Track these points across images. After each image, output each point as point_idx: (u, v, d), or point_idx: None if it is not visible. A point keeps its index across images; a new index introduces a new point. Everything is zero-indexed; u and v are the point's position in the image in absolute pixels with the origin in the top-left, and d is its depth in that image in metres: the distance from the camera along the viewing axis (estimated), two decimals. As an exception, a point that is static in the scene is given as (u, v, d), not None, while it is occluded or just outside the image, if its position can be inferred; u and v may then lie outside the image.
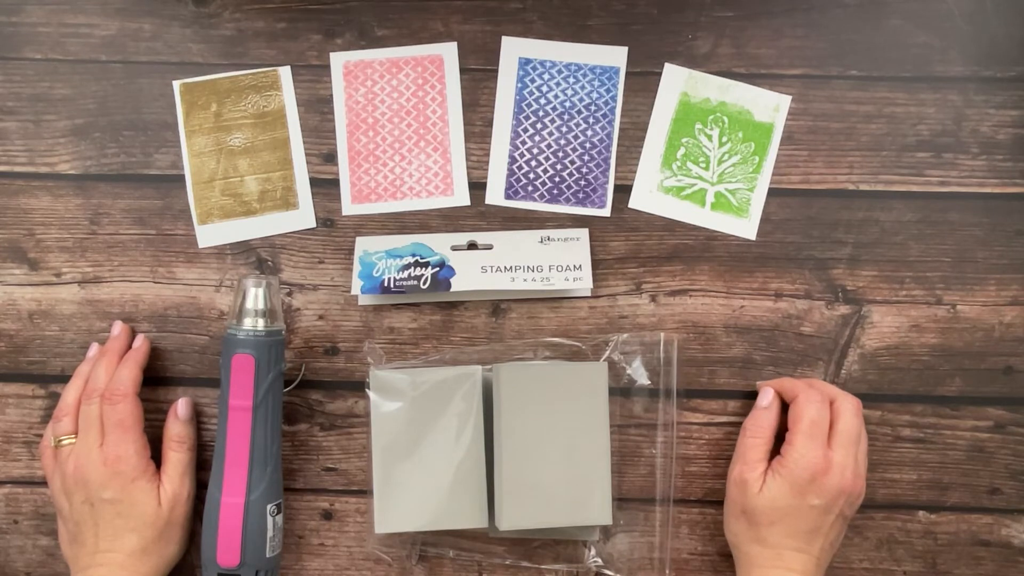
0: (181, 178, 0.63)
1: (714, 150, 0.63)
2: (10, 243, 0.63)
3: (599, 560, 0.62)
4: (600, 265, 0.63)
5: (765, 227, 0.63)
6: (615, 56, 0.63)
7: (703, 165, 0.63)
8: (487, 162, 0.63)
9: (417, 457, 0.59)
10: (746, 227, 0.63)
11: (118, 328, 0.62)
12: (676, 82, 0.63)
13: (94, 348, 0.62)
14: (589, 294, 0.63)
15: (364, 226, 0.63)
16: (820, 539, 0.56)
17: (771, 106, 0.63)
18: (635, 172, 0.63)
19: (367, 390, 0.60)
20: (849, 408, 0.58)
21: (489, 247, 0.62)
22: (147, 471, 0.58)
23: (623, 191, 0.63)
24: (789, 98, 0.62)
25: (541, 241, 0.62)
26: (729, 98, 0.63)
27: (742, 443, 0.59)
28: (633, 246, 0.63)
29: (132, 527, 0.57)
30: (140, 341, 0.62)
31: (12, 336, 0.63)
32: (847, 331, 0.63)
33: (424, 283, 0.61)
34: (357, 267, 0.62)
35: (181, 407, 0.61)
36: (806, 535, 0.56)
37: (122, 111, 0.63)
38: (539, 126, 0.63)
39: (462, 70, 0.63)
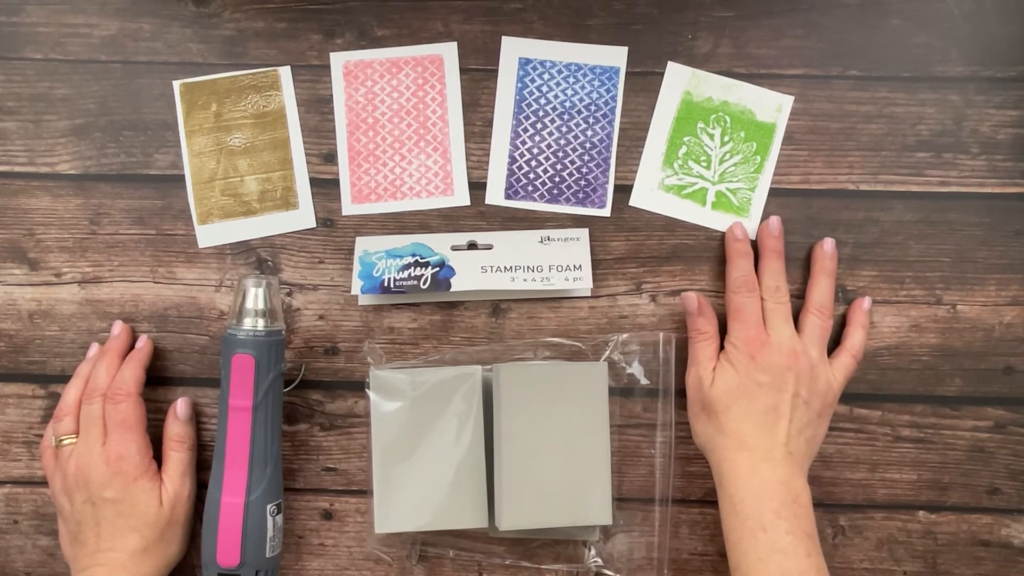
0: (181, 178, 0.63)
1: (716, 149, 0.63)
2: (10, 243, 0.63)
3: (599, 560, 0.62)
4: (600, 265, 0.63)
5: (765, 227, 0.63)
6: (615, 56, 0.63)
7: (704, 164, 0.63)
8: (487, 162, 0.63)
9: (417, 457, 0.59)
10: (747, 227, 0.63)
11: (118, 328, 0.62)
12: (679, 81, 0.63)
13: (94, 348, 0.62)
14: (589, 294, 0.63)
15: (364, 226, 0.63)
16: (783, 423, 0.56)
17: (773, 106, 0.63)
18: (635, 171, 0.63)
19: (367, 390, 0.60)
20: (770, 297, 0.59)
21: (489, 247, 0.62)
22: (148, 471, 0.58)
23: (623, 191, 0.63)
24: (791, 98, 0.62)
25: (541, 241, 0.62)
26: (732, 97, 0.63)
27: (691, 349, 0.61)
28: (633, 246, 0.63)
29: (133, 526, 0.57)
30: (143, 341, 0.62)
31: (12, 336, 0.63)
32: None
33: (424, 283, 0.61)
34: (357, 267, 0.62)
35: (180, 407, 0.61)
36: (762, 416, 0.57)
37: (122, 111, 0.63)
38: (539, 126, 0.63)
39: (462, 70, 0.63)
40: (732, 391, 0.58)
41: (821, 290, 0.60)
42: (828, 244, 0.61)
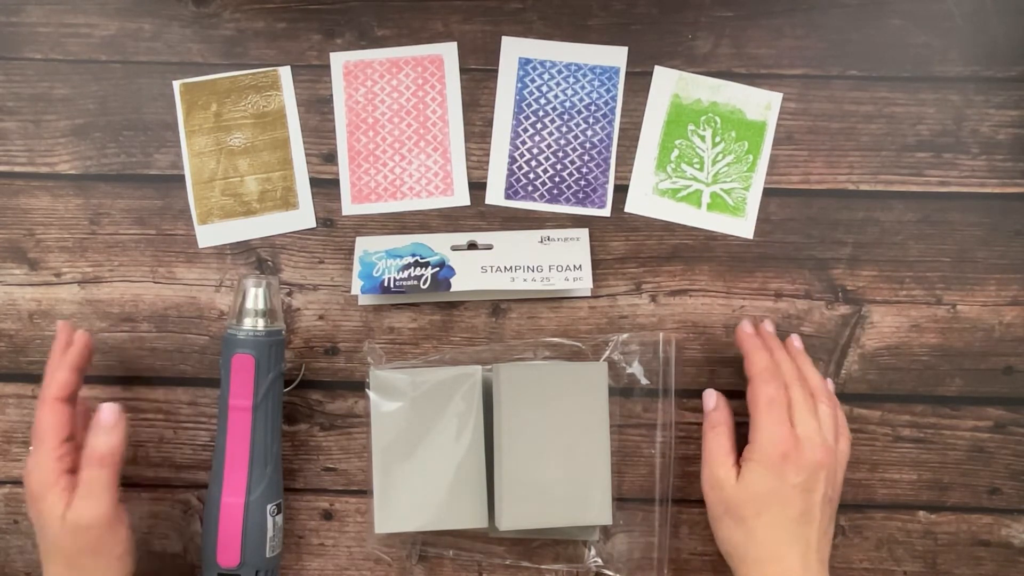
0: (181, 178, 0.63)
1: (708, 151, 0.63)
2: (10, 243, 0.63)
3: (599, 560, 0.62)
4: (600, 265, 0.63)
5: (765, 227, 0.63)
6: (615, 56, 0.63)
7: (697, 166, 0.63)
8: (487, 162, 0.63)
9: (417, 457, 0.59)
10: (743, 226, 0.63)
11: (59, 329, 0.56)
12: (667, 84, 0.63)
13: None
14: (589, 294, 0.63)
15: (364, 226, 0.63)
16: (813, 526, 0.54)
17: (763, 104, 0.63)
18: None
19: (367, 390, 0.60)
20: (795, 384, 0.56)
21: (489, 247, 0.62)
22: (55, 488, 0.51)
23: (623, 191, 0.63)
24: (780, 95, 0.62)
25: (541, 241, 0.62)
26: (720, 98, 0.63)
27: (705, 446, 0.57)
28: (633, 246, 0.63)
29: (45, 550, 0.52)
30: (77, 338, 0.55)
31: (12, 336, 0.63)
32: (847, 331, 0.63)
33: (424, 283, 0.61)
34: (357, 267, 0.62)
35: (105, 414, 0.52)
36: (796, 522, 0.53)
37: (122, 111, 0.63)
38: (539, 126, 0.63)
39: (462, 70, 0.63)
40: (765, 495, 0.53)
41: (815, 377, 0.58)
42: (796, 342, 0.60)
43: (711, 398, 0.59)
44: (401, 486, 0.59)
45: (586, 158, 0.63)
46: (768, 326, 0.61)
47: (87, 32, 0.63)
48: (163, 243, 0.63)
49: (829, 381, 0.60)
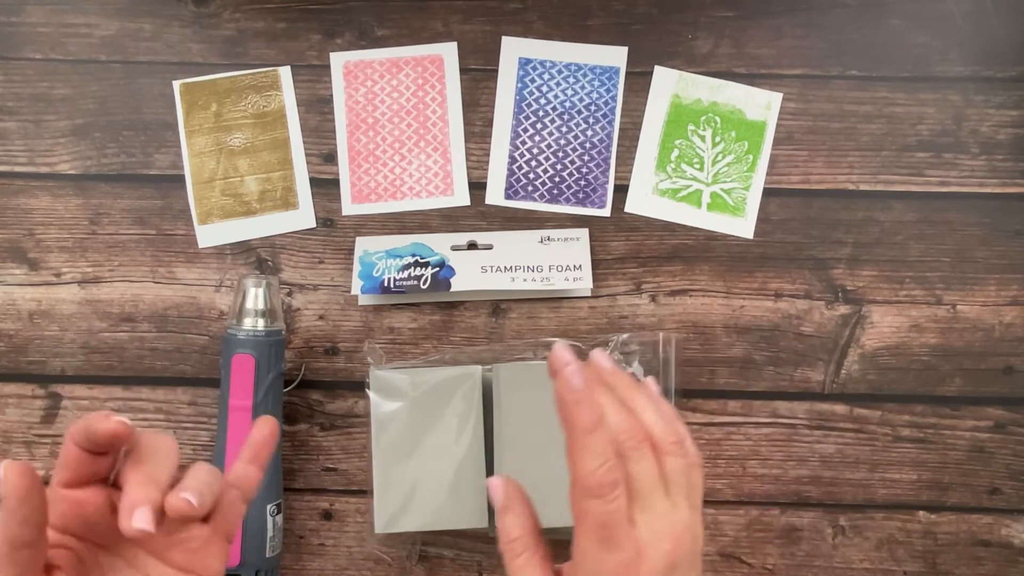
0: (181, 178, 0.63)
1: (708, 151, 0.63)
2: (10, 243, 0.63)
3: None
4: (600, 265, 0.63)
5: (765, 227, 0.63)
6: (615, 56, 0.63)
7: (697, 166, 0.63)
8: (487, 162, 0.63)
9: (417, 457, 0.59)
10: (743, 226, 0.63)
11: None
12: (667, 84, 0.63)
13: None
14: (589, 294, 0.63)
15: (364, 226, 0.63)
16: None
17: (763, 104, 0.63)
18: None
19: (367, 390, 0.60)
20: (634, 454, 0.40)
21: (489, 247, 0.62)
22: None
23: (623, 191, 0.63)
24: (780, 95, 0.62)
25: (541, 241, 0.62)
26: (720, 98, 0.63)
27: (507, 570, 0.42)
28: (633, 246, 0.63)
29: None
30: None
31: (12, 336, 0.63)
32: (847, 331, 0.63)
33: (424, 283, 0.61)
34: (357, 267, 0.62)
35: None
36: None
37: (122, 111, 0.63)
38: (539, 126, 0.63)
39: (462, 70, 0.63)
40: None
41: (650, 414, 0.41)
42: (605, 360, 0.42)
43: (498, 491, 0.42)
44: (401, 486, 0.59)
45: (586, 158, 0.63)
46: (602, 360, 0.42)
47: (87, 32, 0.63)
48: (163, 243, 0.63)
49: (651, 380, 0.45)
